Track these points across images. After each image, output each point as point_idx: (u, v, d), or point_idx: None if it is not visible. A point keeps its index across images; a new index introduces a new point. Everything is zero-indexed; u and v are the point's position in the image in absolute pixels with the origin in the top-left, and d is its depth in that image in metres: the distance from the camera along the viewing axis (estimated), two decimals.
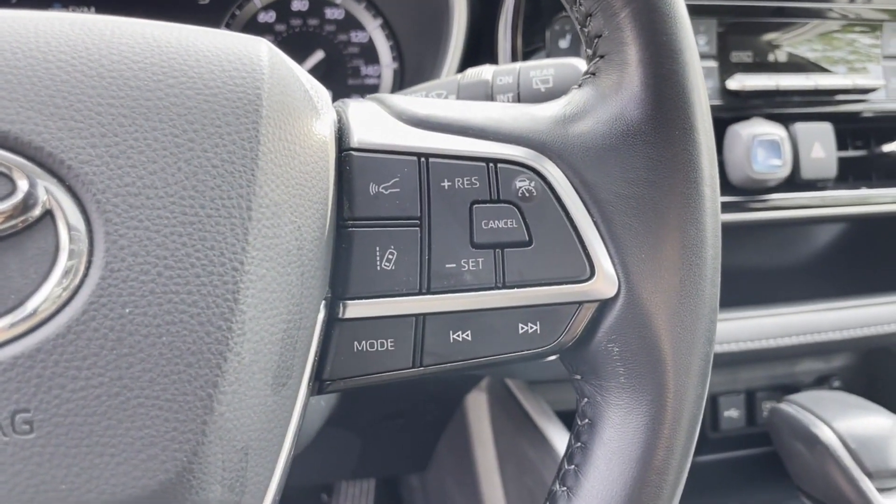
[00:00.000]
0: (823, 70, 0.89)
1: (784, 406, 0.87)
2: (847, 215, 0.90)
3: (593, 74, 0.40)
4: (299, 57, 0.95)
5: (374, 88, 0.99)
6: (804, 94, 0.87)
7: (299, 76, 0.35)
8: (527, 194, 0.37)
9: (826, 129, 0.88)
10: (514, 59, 0.81)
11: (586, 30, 0.40)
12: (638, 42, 0.38)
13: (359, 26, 0.97)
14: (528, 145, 0.38)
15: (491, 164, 0.37)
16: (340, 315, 0.35)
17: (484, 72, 0.54)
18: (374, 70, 1.00)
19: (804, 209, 0.88)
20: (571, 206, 0.37)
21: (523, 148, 0.38)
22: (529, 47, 0.82)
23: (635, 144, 0.38)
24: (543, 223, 0.37)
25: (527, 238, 0.37)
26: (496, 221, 0.37)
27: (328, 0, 0.96)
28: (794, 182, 0.87)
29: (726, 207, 0.86)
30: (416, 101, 0.39)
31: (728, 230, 0.87)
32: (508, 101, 0.52)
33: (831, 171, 0.88)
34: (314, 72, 0.94)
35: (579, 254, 0.37)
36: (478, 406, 1.09)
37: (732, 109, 0.86)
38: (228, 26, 0.93)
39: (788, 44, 0.88)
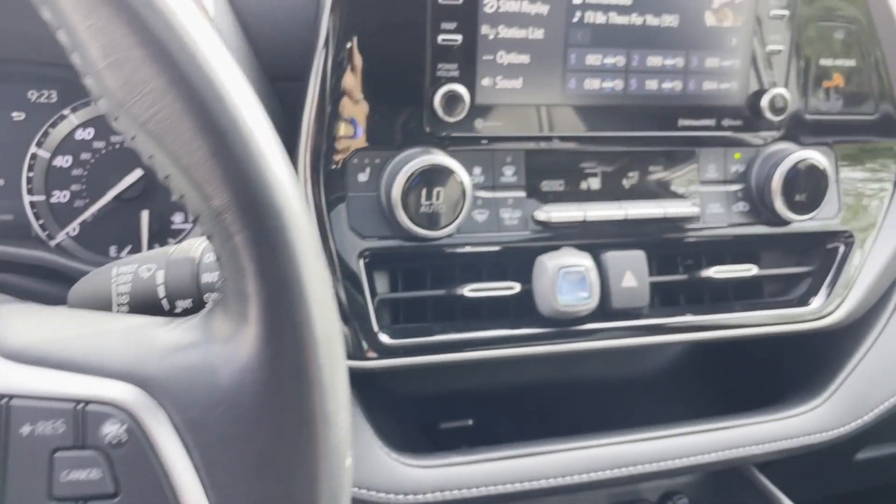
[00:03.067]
0: (638, 198, 0.89)
1: None
2: (662, 342, 0.90)
3: (220, 296, 0.38)
4: (117, 175, 0.92)
5: None
6: (616, 224, 0.88)
7: None
8: (114, 441, 0.35)
9: (638, 256, 0.88)
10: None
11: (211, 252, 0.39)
12: (253, 272, 0.36)
13: None
14: (132, 380, 0.36)
15: (79, 406, 0.35)
16: None
17: (193, 248, 0.52)
18: None
19: (615, 339, 0.88)
20: (168, 452, 0.35)
21: (123, 384, 0.36)
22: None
23: (245, 382, 0.35)
24: (133, 472, 0.35)
25: (112, 490, 0.34)
26: (79, 472, 0.34)
27: None
28: (605, 312, 0.86)
29: (536, 339, 0.85)
30: (20, 326, 0.37)
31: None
32: (213, 279, 0.50)
33: (643, 299, 0.87)
34: (132, 189, 0.92)
35: None
36: None
37: (542, 240, 0.86)
38: (40, 145, 0.91)
39: (602, 171, 0.89)
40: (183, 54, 0.34)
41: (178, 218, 0.96)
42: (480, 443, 0.91)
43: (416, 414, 1.04)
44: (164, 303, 0.50)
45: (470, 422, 1.04)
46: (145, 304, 0.50)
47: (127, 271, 0.52)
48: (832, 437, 0.97)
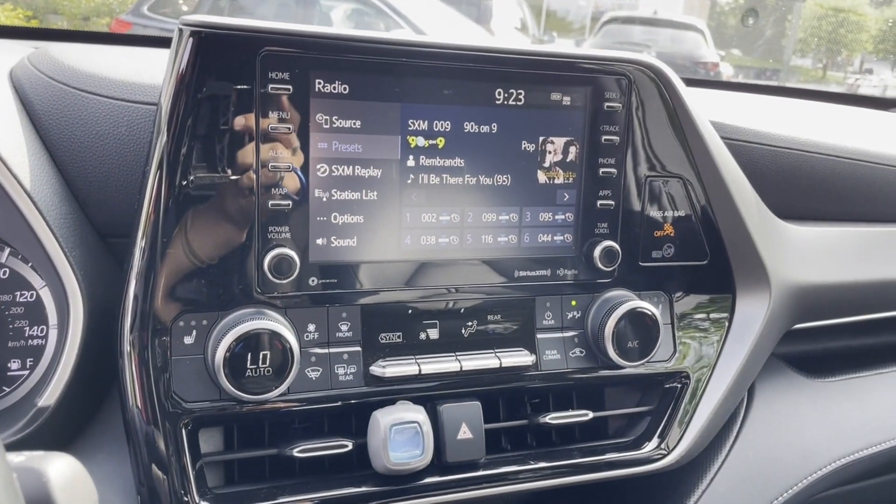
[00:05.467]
0: (477, 348, 0.91)
1: None
2: (499, 493, 0.91)
3: None
4: None
5: (38, 350, 0.94)
6: (453, 375, 0.89)
7: None
8: None
9: (474, 407, 0.90)
10: None
11: None
12: None
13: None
14: None
15: None
16: None
17: None
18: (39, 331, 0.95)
19: (451, 493, 0.88)
20: None
21: None
22: None
23: None
24: None
25: None
26: None
27: None
28: (440, 466, 0.87)
29: (370, 497, 0.85)
30: None
31: None
32: None
33: (479, 451, 0.89)
34: None
35: None
36: None
37: (378, 394, 0.87)
38: None
39: (440, 323, 0.91)
40: None
41: (14, 364, 0.93)
42: None
43: None
44: None
45: None
46: None
47: None
48: None
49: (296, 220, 0.82)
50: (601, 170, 0.94)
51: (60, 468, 0.49)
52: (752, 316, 1.04)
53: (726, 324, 1.05)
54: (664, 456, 0.98)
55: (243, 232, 0.80)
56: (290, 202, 0.81)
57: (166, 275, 0.78)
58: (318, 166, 0.82)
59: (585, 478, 0.95)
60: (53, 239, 0.76)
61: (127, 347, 0.78)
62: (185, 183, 0.77)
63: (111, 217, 0.85)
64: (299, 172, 0.81)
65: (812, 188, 1.18)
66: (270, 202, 0.80)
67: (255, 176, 0.79)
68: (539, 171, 0.92)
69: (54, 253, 0.77)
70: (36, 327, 0.96)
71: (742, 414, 1.11)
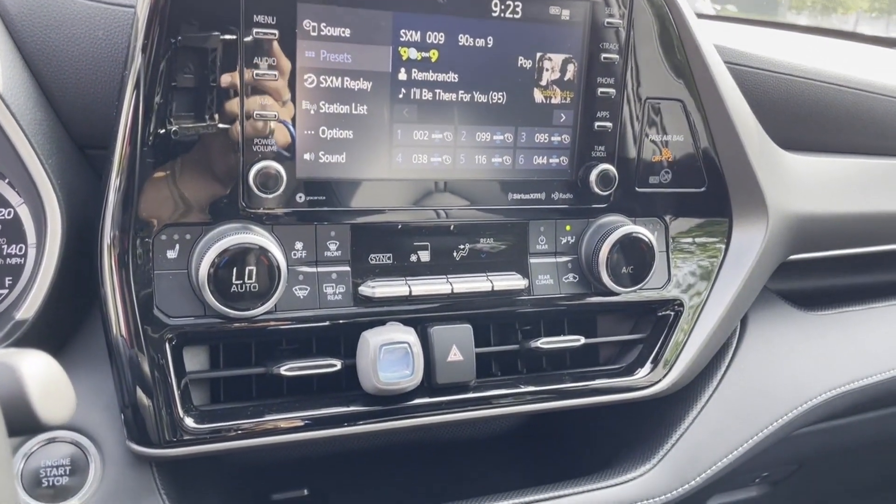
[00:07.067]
0: (468, 271, 0.89)
1: None
2: (489, 416, 0.90)
3: None
4: None
5: (17, 269, 0.92)
6: (443, 298, 0.87)
7: None
8: None
9: (465, 330, 0.88)
10: None
11: None
12: None
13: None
14: None
15: None
16: None
17: None
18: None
19: (441, 415, 0.87)
20: None
21: None
22: None
23: None
24: None
25: None
26: None
27: None
28: (430, 387, 0.86)
29: (358, 418, 0.84)
30: None
31: None
32: None
33: (469, 373, 0.87)
34: None
35: None
36: None
37: (367, 315, 0.85)
38: None
39: (431, 245, 0.88)
40: None
41: None
42: None
43: (250, 485, 1.01)
44: None
45: (305, 492, 1.01)
46: None
47: None
48: (663, 501, 1.00)
49: (282, 132, 0.78)
50: (599, 90, 0.91)
51: (35, 364, 0.47)
52: (749, 244, 1.03)
53: (722, 252, 1.03)
54: (655, 383, 0.98)
55: (227, 143, 0.76)
56: (276, 113, 0.77)
57: (147, 187, 0.75)
58: (306, 76, 0.78)
59: (575, 402, 0.94)
60: (28, 146, 0.73)
61: (107, 262, 0.75)
62: (165, 91, 0.73)
63: (89, 127, 0.81)
64: (286, 82, 0.77)
65: (814, 118, 1.15)
66: (256, 112, 0.77)
67: (239, 84, 0.75)
68: (535, 90, 0.89)
69: (30, 161, 0.74)
70: (14, 245, 0.94)
71: (734, 344, 1.10)
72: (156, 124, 0.73)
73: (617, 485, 0.99)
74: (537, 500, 0.95)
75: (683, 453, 1.01)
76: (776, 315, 1.16)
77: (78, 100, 0.80)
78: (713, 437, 1.03)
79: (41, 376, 0.46)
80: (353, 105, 0.81)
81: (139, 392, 0.76)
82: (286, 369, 0.81)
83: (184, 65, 0.73)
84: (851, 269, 1.34)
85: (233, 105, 0.76)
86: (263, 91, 0.77)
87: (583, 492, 0.98)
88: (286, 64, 0.77)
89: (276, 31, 0.75)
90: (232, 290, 0.76)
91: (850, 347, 1.18)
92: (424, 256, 0.88)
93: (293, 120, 0.79)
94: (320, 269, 0.83)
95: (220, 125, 0.76)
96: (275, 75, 0.76)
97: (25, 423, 0.45)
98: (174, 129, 0.74)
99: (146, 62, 0.72)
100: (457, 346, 0.88)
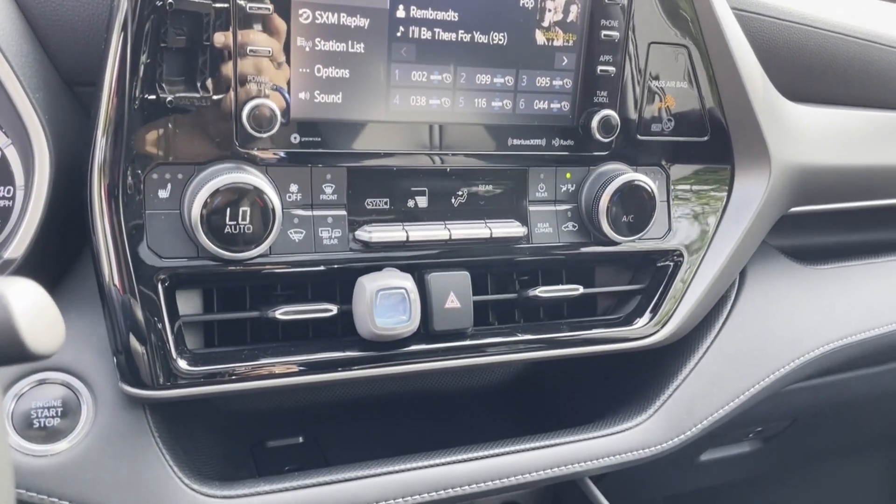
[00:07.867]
0: (466, 217, 0.88)
1: None
2: (486, 364, 0.89)
3: None
4: None
5: (6, 211, 0.90)
6: (441, 244, 0.86)
7: None
8: None
9: (463, 277, 0.87)
10: None
11: None
12: None
13: None
14: None
15: None
16: None
17: None
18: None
19: (437, 361, 0.86)
20: None
21: None
22: None
23: None
24: None
25: None
26: None
27: None
28: (427, 334, 0.85)
29: (353, 363, 0.83)
30: None
31: None
32: None
33: (467, 320, 0.86)
34: None
35: None
36: None
37: (363, 260, 0.83)
38: None
39: (429, 190, 0.87)
40: None
41: None
42: (312, 461, 0.88)
43: (245, 431, 1.00)
44: None
45: (300, 439, 1.01)
46: None
47: None
48: (657, 451, 1.00)
49: (276, 70, 0.76)
50: (603, 33, 0.89)
51: (23, 291, 0.45)
52: (750, 195, 1.01)
53: (723, 203, 1.02)
54: (653, 334, 0.97)
55: (220, 78, 0.74)
56: (270, 49, 0.75)
57: (137, 124, 0.73)
58: (301, 11, 0.76)
59: (572, 351, 0.93)
60: (15, 79, 0.70)
61: (97, 201, 0.73)
62: (157, 22, 0.71)
63: (77, 62, 0.78)
64: (280, 17, 0.75)
65: (820, 68, 1.13)
66: (249, 48, 0.74)
67: (232, 20, 0.73)
68: (537, 31, 0.86)
69: (16, 95, 0.71)
70: (2, 188, 0.92)
71: (733, 296, 1.09)
72: (146, 58, 0.71)
73: (612, 434, 0.99)
74: (531, 448, 0.95)
75: (679, 404, 1.00)
76: (775, 268, 1.15)
77: (65, 31, 0.77)
78: (709, 388, 1.02)
79: (29, 303, 0.45)
80: (350, 43, 0.79)
81: (132, 334, 0.75)
82: (281, 313, 0.80)
83: None
84: (851, 225, 1.33)
85: (226, 41, 0.73)
86: (257, 27, 0.74)
87: (577, 440, 0.97)
88: None
89: None
90: (226, 231, 0.74)
91: (848, 302, 1.17)
92: (422, 202, 0.87)
93: (287, 57, 0.76)
94: (316, 213, 0.82)
95: (214, 59, 0.73)
96: (269, 9, 0.74)
97: (13, 352, 0.44)
98: (165, 63, 0.72)
99: None
100: (454, 292, 0.86)
